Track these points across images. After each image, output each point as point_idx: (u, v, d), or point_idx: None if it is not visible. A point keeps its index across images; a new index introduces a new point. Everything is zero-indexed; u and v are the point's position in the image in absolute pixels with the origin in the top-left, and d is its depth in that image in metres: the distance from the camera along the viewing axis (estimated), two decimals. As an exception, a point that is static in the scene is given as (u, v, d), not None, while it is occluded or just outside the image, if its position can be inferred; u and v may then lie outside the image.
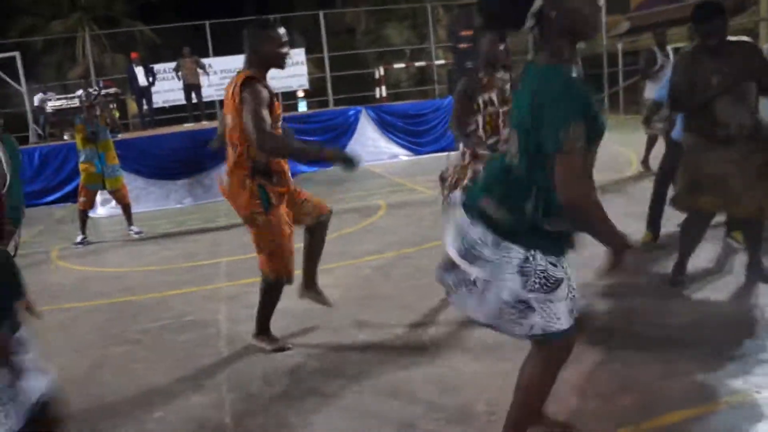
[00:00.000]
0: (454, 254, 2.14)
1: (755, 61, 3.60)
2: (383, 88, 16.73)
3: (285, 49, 3.43)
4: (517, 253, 2.01)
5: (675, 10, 15.69)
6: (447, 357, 3.38)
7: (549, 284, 2.02)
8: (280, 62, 3.44)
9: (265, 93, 3.28)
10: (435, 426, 2.68)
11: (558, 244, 2.07)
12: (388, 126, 13.64)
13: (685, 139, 3.88)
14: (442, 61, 18.73)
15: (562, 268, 2.06)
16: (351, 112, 12.75)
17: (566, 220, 1.99)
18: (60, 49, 20.68)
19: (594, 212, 1.96)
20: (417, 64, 19.43)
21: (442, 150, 13.27)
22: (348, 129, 12.60)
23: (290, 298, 3.95)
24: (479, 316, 2.16)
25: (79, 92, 8.36)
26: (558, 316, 2.06)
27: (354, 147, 11.16)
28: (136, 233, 7.54)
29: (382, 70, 16.94)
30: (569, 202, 1.91)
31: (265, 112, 3.21)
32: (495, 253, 2.03)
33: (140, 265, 6.27)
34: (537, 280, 2.01)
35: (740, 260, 4.31)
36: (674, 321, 3.55)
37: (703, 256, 4.41)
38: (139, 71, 13.75)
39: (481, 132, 4.00)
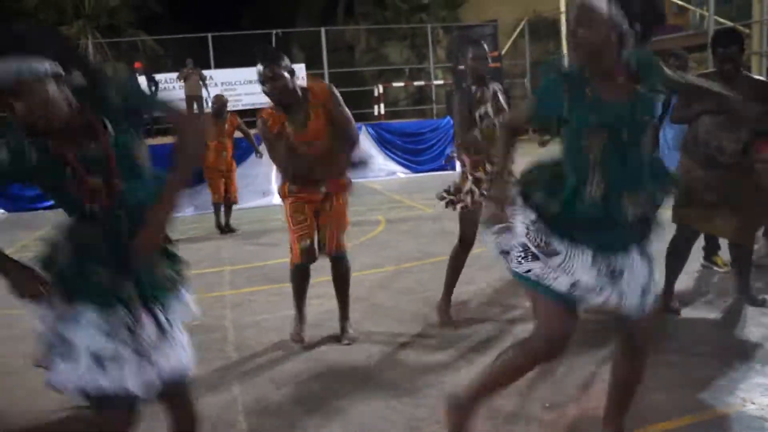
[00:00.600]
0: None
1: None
2: (382, 105, 16.97)
3: (264, 87, 3.65)
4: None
5: (672, 41, 16.03)
6: (447, 364, 3.53)
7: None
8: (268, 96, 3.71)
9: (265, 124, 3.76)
10: (437, 428, 2.82)
11: None
12: (386, 143, 13.86)
13: (682, 159, 4.06)
14: (440, 81, 19.00)
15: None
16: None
17: None
18: (62, 55, 20.75)
19: None
20: (416, 83, 19.68)
21: (440, 169, 13.51)
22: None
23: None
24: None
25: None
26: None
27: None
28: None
29: (381, 88, 17.18)
30: None
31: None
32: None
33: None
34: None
35: (721, 283, 4.49)
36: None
37: (686, 279, 4.58)
38: (142, 81, 13.93)
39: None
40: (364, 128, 12.93)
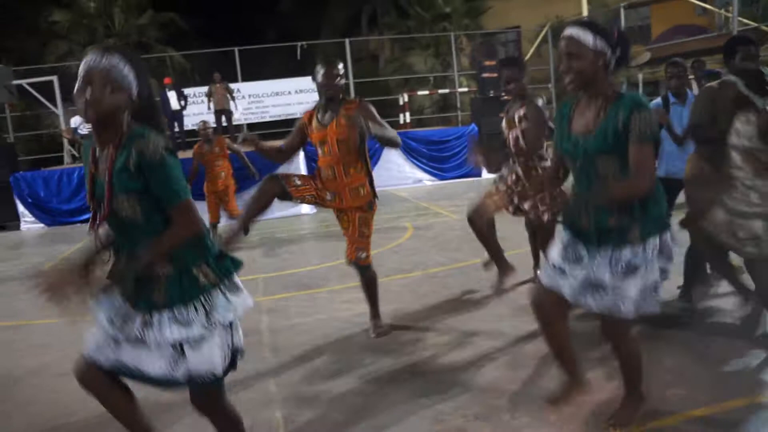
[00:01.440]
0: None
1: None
2: (407, 114, 17.13)
3: (320, 79, 4.10)
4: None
5: (696, 42, 16.00)
6: (470, 362, 3.68)
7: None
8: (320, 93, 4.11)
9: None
10: (463, 422, 2.98)
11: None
12: (412, 151, 14.01)
13: (692, 169, 4.15)
14: (465, 89, 19.12)
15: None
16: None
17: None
18: (94, 73, 21.27)
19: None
20: (440, 91, 19.83)
21: (465, 176, 13.63)
22: (374, 154, 12.90)
23: (324, 312, 4.27)
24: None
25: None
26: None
27: (380, 172, 11.48)
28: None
29: (406, 97, 17.35)
30: (640, 188, 2.42)
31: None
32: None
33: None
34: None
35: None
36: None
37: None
38: (172, 95, 14.26)
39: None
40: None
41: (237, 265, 2.32)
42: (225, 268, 2.27)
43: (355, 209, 4.08)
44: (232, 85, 15.16)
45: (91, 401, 2.35)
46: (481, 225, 4.81)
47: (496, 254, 4.96)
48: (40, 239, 10.80)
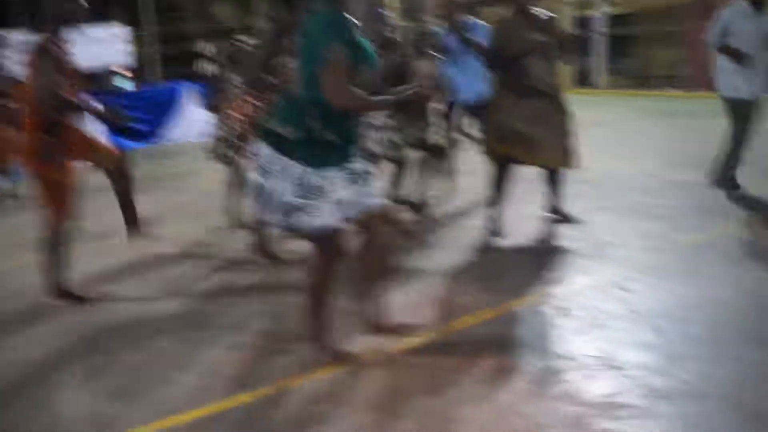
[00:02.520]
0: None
1: (556, 32, 4.41)
2: (208, 63, 16.51)
3: None
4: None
5: None
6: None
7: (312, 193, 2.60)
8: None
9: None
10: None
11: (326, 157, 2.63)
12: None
13: (493, 97, 4.54)
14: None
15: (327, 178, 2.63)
16: (173, 88, 12.03)
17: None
18: None
19: (361, 104, 2.63)
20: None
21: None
22: (172, 105, 11.93)
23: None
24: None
25: None
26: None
27: (178, 123, 10.96)
28: None
29: (207, 46, 16.71)
30: (338, 105, 2.52)
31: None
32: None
33: None
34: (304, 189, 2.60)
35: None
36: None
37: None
38: None
39: None
40: (187, 87, 11.92)
41: None
42: None
43: None
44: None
45: None
46: None
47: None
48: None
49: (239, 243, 4.58)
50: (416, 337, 3.04)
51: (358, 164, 2.70)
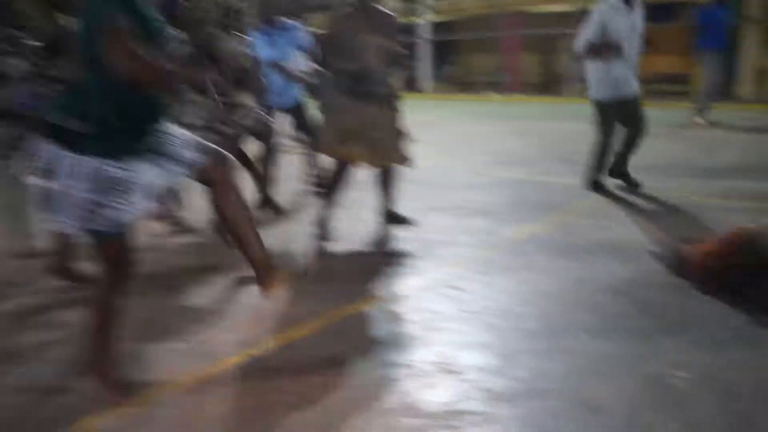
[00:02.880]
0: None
1: (393, 33, 4.27)
2: None
3: None
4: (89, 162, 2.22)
5: None
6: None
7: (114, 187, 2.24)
8: None
9: None
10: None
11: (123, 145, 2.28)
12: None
13: (331, 97, 4.29)
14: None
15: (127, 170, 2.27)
16: None
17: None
18: None
19: (150, 66, 2.15)
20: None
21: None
22: None
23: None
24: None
25: None
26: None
27: None
28: None
29: None
30: (125, 70, 2.13)
31: None
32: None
33: None
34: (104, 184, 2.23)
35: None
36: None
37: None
38: None
39: None
40: None
41: None
42: None
43: None
44: None
45: None
46: None
47: None
48: None
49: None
50: (233, 357, 2.71)
51: (166, 142, 2.37)
